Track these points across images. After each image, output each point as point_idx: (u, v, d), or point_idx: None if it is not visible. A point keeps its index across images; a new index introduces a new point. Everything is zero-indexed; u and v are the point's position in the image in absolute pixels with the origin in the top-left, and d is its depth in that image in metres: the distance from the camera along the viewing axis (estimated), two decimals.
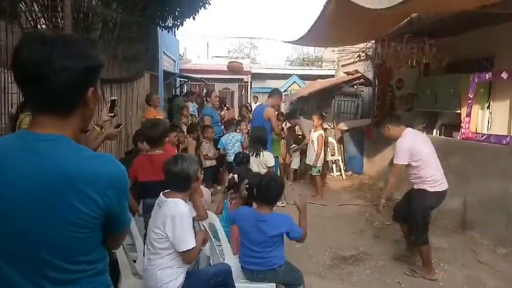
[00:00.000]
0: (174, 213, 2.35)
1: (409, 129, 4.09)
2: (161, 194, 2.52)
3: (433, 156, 3.93)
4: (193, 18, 7.85)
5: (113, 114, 2.95)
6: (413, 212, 3.96)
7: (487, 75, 5.57)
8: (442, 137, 6.57)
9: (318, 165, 6.84)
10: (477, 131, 5.88)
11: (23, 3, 5.17)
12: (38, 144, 1.06)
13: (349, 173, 8.92)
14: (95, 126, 2.85)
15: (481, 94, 6.08)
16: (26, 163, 1.04)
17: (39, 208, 1.03)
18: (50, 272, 1.07)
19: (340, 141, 9.17)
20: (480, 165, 5.18)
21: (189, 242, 2.35)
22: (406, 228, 4.24)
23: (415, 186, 3.98)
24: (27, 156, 1.05)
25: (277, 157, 6.60)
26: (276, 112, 6.87)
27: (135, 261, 3.07)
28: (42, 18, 5.27)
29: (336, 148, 8.89)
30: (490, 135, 5.53)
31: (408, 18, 6.27)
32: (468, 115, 5.83)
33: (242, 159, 5.06)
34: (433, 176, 3.84)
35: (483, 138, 5.54)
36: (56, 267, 1.07)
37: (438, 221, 5.62)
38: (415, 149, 3.86)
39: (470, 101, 5.79)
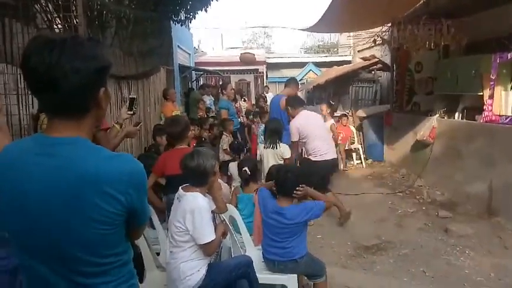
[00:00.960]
0: (193, 206, 2.38)
1: (303, 112, 4.94)
2: (180, 188, 2.54)
3: (319, 133, 4.79)
4: (206, 11, 7.83)
5: (132, 113, 2.99)
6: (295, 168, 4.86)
7: (509, 55, 5.37)
8: (465, 120, 6.39)
9: None
10: (501, 113, 5.69)
11: (38, 4, 5.25)
12: (57, 147, 1.09)
13: (370, 161, 8.81)
14: (115, 124, 2.89)
15: (504, 75, 5.85)
16: (41, 166, 1.07)
17: (64, 209, 1.06)
18: (81, 267, 1.11)
19: (359, 128, 9.05)
20: (505, 148, 5.02)
21: (208, 235, 2.38)
22: None
23: (306, 155, 4.89)
24: (43, 160, 1.07)
25: None
26: None
27: (158, 254, 3.12)
28: (57, 18, 5.35)
29: (355, 136, 8.78)
30: None
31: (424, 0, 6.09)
32: (491, 97, 5.66)
33: (238, 147, 5.11)
34: (315, 149, 4.70)
35: (507, 120, 5.37)
36: (86, 262, 1.11)
37: (461, 207, 5.52)
38: (301, 128, 4.75)
39: (492, 82, 5.61)
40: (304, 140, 4.80)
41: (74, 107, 1.11)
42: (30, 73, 1.06)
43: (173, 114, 7.17)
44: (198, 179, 2.51)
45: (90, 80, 1.09)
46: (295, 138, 4.82)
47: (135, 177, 1.14)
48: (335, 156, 4.86)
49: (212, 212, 2.57)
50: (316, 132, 4.76)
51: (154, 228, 3.33)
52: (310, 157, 4.72)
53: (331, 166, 4.84)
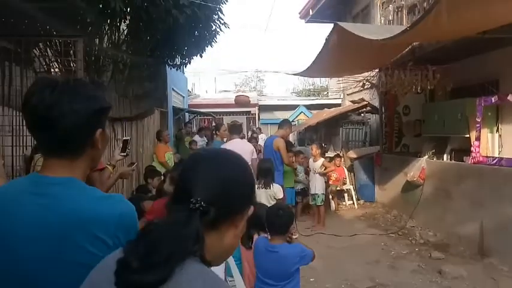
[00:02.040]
0: None
1: (236, 140, 5.59)
2: None
3: None
4: (201, 56, 8.09)
5: (125, 154, 3.02)
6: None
7: (492, 98, 5.59)
8: (453, 161, 6.52)
9: (321, 193, 6.87)
10: (488, 155, 5.83)
11: (37, 48, 5.42)
12: (49, 187, 1.09)
13: (361, 201, 8.83)
14: (108, 166, 2.90)
15: (489, 118, 6.07)
16: (36, 206, 1.06)
17: (50, 251, 1.04)
18: None
19: (350, 169, 9.14)
20: (494, 189, 5.11)
21: None
22: None
23: None
24: (38, 200, 1.07)
25: (292, 188, 6.62)
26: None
27: None
28: (55, 63, 5.50)
29: (347, 177, 8.84)
30: (502, 158, 5.49)
31: (410, 47, 6.38)
32: (477, 139, 5.81)
33: None
34: None
35: (494, 161, 5.49)
36: None
37: (454, 248, 5.51)
38: None
39: (478, 125, 5.79)
40: None
41: (70, 147, 1.12)
42: (30, 111, 1.09)
43: (166, 155, 7.24)
44: None
45: (88, 121, 1.11)
46: None
47: (124, 219, 1.11)
48: None
49: None
50: None
51: None
52: None
53: None
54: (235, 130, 5.80)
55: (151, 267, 0.79)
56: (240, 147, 5.32)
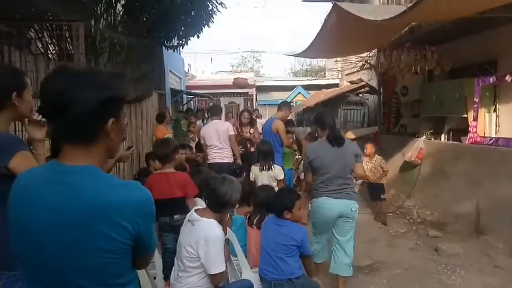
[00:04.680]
0: (208, 235, 2.37)
1: (214, 121, 5.96)
2: (193, 211, 2.55)
3: (211, 141, 5.75)
4: (198, 37, 8.01)
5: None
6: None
7: (491, 79, 5.61)
8: (451, 142, 6.58)
9: None
10: (485, 135, 5.89)
11: (32, 30, 5.35)
12: (68, 176, 1.11)
13: (360, 181, 8.91)
14: None
15: (487, 98, 6.10)
16: (56, 195, 1.09)
17: (71, 237, 1.07)
18: None
19: None
20: (490, 168, 5.19)
21: (220, 265, 2.37)
22: None
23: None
24: (58, 188, 1.10)
25: (291, 169, 6.66)
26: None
27: (155, 278, 3.13)
28: (51, 45, 5.45)
29: None
30: (498, 138, 5.55)
31: (408, 27, 6.34)
32: (475, 119, 5.86)
33: (235, 171, 5.09)
34: (208, 155, 5.81)
35: (491, 141, 5.56)
36: None
37: (450, 226, 5.62)
38: (203, 134, 5.94)
39: (476, 105, 5.83)
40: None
41: (82, 135, 1.13)
42: (43, 98, 1.11)
43: (165, 136, 7.25)
44: (219, 205, 2.53)
45: (97, 110, 1.11)
46: (202, 140, 6.05)
47: (142, 206, 1.15)
48: (220, 161, 5.67)
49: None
50: (209, 140, 5.77)
51: None
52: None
53: (219, 168, 5.28)
54: (214, 112, 6.21)
55: (339, 138, 3.51)
56: (217, 126, 5.92)
